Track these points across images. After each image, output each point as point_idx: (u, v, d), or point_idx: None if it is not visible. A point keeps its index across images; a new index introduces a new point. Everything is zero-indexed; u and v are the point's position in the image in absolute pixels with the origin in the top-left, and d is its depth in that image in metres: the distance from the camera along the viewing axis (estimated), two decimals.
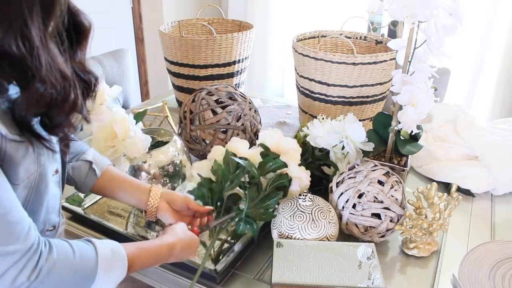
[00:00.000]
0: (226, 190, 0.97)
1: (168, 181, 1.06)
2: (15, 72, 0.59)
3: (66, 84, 0.62)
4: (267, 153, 1.04)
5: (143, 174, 1.03)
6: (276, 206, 0.98)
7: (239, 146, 1.04)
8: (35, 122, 0.64)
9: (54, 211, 0.75)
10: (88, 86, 0.71)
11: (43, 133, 0.65)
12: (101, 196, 1.15)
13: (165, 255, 0.79)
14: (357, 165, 1.06)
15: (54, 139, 0.69)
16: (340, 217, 1.00)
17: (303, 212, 0.95)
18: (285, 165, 1.01)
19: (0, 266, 0.57)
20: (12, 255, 0.58)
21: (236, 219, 0.96)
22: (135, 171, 1.04)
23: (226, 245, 1.00)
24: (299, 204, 0.96)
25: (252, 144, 1.31)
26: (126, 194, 0.91)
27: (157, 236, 1.03)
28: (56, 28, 0.61)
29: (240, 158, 1.01)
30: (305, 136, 1.19)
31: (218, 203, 0.99)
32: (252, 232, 0.94)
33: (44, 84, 0.59)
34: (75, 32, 0.66)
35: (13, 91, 0.61)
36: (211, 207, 0.96)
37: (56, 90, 0.60)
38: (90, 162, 0.89)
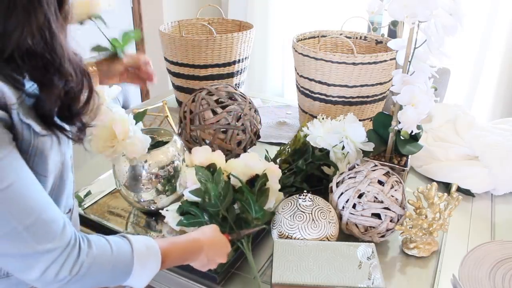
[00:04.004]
0: (223, 208, 0.96)
1: (167, 182, 1.06)
2: (36, 71, 0.60)
3: (81, 74, 0.64)
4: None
5: (144, 174, 1.03)
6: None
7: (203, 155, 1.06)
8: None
9: (70, 195, 0.78)
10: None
11: (65, 125, 0.67)
12: (101, 196, 1.16)
13: (193, 250, 0.80)
14: (357, 165, 1.06)
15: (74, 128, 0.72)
16: (340, 217, 1.00)
17: (303, 212, 0.95)
18: (266, 177, 1.02)
19: (42, 263, 0.60)
20: (52, 253, 0.60)
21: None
22: (135, 171, 1.04)
23: None
24: (299, 204, 0.96)
25: (252, 144, 1.32)
26: None
27: (156, 235, 1.03)
28: (66, 17, 0.63)
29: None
30: (305, 136, 1.19)
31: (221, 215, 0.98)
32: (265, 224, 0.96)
33: (65, 79, 0.61)
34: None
35: (28, 85, 0.62)
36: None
37: (76, 82, 0.63)
38: None
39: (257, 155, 1.06)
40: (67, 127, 0.67)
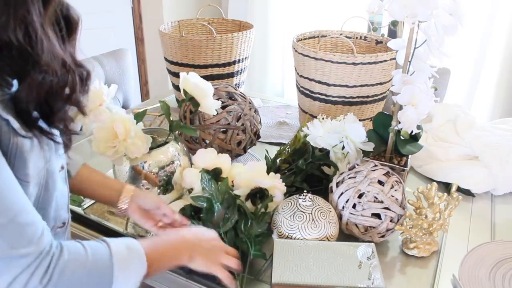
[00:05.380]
0: (222, 228, 0.93)
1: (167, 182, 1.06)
2: (14, 63, 0.58)
3: (65, 70, 0.62)
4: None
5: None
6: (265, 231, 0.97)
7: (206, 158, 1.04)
8: (36, 116, 0.64)
9: (63, 207, 0.76)
10: (80, 81, 0.71)
11: (45, 126, 0.65)
12: None
13: (181, 246, 0.77)
14: (357, 165, 1.06)
15: (57, 133, 0.70)
16: (340, 217, 1.00)
17: (303, 212, 0.95)
18: (271, 198, 1.00)
19: (13, 269, 0.57)
20: (25, 258, 0.57)
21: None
22: (136, 171, 1.04)
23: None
24: (299, 204, 0.96)
25: (252, 144, 1.32)
26: (98, 194, 0.92)
27: (156, 235, 1.03)
28: (54, 15, 0.61)
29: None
30: (305, 136, 1.19)
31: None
32: (264, 257, 0.94)
33: (44, 72, 0.59)
34: (65, 25, 0.67)
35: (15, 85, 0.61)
36: (181, 217, 0.93)
37: (57, 76, 0.60)
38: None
39: (264, 169, 1.03)
40: (47, 129, 0.65)
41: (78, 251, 0.63)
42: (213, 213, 0.93)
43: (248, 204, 1.00)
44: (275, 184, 1.00)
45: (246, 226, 0.93)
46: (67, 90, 0.63)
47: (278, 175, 1.04)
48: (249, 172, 1.01)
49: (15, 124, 0.59)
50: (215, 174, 1.02)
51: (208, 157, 1.05)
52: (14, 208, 0.57)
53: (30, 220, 0.59)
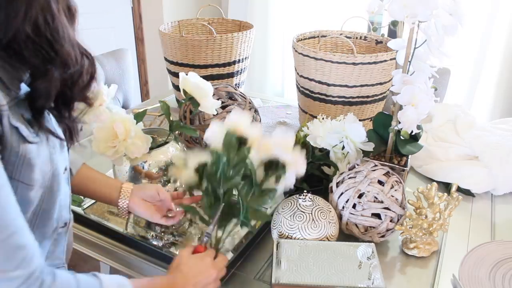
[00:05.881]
0: (224, 185, 0.84)
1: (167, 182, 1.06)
2: (34, 58, 0.57)
3: (84, 57, 0.62)
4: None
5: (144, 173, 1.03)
6: (271, 205, 0.91)
7: (240, 121, 0.86)
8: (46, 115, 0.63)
9: (66, 208, 0.75)
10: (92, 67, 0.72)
11: (52, 126, 0.65)
12: None
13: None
14: (357, 165, 1.06)
15: (61, 133, 0.69)
16: (340, 217, 1.00)
17: (303, 212, 0.95)
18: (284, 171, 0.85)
19: None
20: (13, 281, 0.56)
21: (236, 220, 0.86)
22: (136, 171, 1.04)
23: (226, 246, 1.00)
24: (299, 204, 0.96)
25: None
26: (98, 193, 0.92)
27: (156, 235, 1.03)
28: (64, 1, 0.60)
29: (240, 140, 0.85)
30: (305, 136, 1.19)
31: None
32: (252, 229, 0.89)
33: (65, 62, 0.58)
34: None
35: (23, 89, 0.60)
36: (180, 192, 0.90)
37: (77, 64, 0.60)
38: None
39: (291, 144, 0.87)
40: (56, 129, 0.65)
41: (69, 283, 0.61)
42: (217, 168, 0.83)
43: (259, 172, 0.86)
44: (296, 160, 0.86)
45: (247, 192, 0.84)
46: (85, 78, 0.63)
47: (304, 151, 0.89)
48: (273, 139, 0.87)
49: (25, 131, 0.58)
50: (239, 140, 0.87)
51: (240, 118, 0.87)
52: (8, 229, 0.55)
53: (22, 242, 0.57)
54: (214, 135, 0.86)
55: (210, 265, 0.77)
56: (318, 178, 1.16)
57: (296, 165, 0.87)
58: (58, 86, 0.60)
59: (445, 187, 1.25)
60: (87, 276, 0.65)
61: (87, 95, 0.68)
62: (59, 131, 0.70)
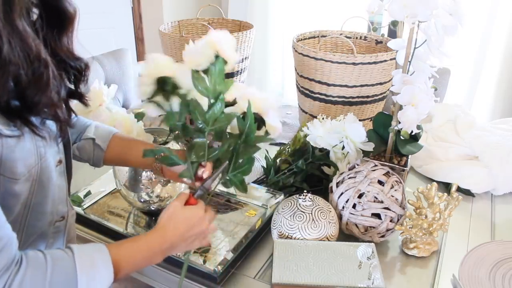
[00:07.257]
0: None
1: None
2: None
3: (36, 63, 0.59)
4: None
5: (144, 174, 1.03)
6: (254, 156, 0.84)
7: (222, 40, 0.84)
8: (18, 107, 0.62)
9: (62, 201, 0.75)
10: (78, 73, 0.71)
11: (33, 121, 0.63)
12: (101, 196, 1.16)
13: (157, 241, 0.71)
14: (357, 165, 1.06)
15: (53, 127, 0.69)
16: (340, 217, 1.00)
17: (303, 212, 0.95)
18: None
19: None
20: None
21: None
22: (136, 171, 1.04)
23: (226, 245, 1.00)
24: (299, 204, 0.96)
25: None
26: (133, 158, 0.89)
27: None
28: (25, 6, 0.58)
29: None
30: (305, 136, 1.19)
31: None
32: (244, 189, 0.83)
33: (6, 64, 0.56)
34: (59, 17, 0.65)
35: None
36: (206, 163, 0.82)
37: (24, 69, 0.58)
38: (93, 139, 0.88)
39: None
40: (36, 123, 0.63)
41: (38, 260, 0.60)
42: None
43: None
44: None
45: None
46: (42, 84, 0.61)
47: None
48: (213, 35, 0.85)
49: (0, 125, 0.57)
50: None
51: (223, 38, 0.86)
52: None
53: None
54: (192, 51, 0.82)
55: (203, 219, 0.75)
56: (318, 178, 1.16)
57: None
58: (3, 88, 0.58)
59: (445, 187, 1.25)
60: (57, 249, 0.64)
61: (81, 96, 0.68)
62: (52, 125, 0.68)
